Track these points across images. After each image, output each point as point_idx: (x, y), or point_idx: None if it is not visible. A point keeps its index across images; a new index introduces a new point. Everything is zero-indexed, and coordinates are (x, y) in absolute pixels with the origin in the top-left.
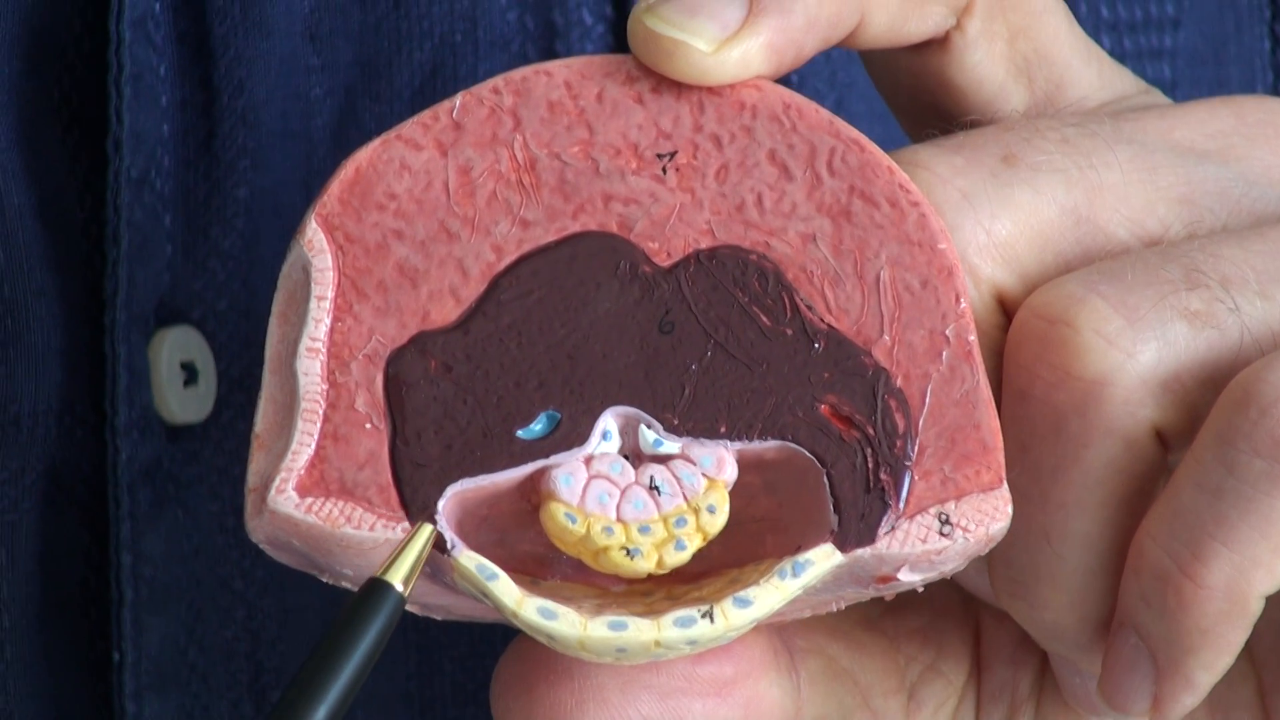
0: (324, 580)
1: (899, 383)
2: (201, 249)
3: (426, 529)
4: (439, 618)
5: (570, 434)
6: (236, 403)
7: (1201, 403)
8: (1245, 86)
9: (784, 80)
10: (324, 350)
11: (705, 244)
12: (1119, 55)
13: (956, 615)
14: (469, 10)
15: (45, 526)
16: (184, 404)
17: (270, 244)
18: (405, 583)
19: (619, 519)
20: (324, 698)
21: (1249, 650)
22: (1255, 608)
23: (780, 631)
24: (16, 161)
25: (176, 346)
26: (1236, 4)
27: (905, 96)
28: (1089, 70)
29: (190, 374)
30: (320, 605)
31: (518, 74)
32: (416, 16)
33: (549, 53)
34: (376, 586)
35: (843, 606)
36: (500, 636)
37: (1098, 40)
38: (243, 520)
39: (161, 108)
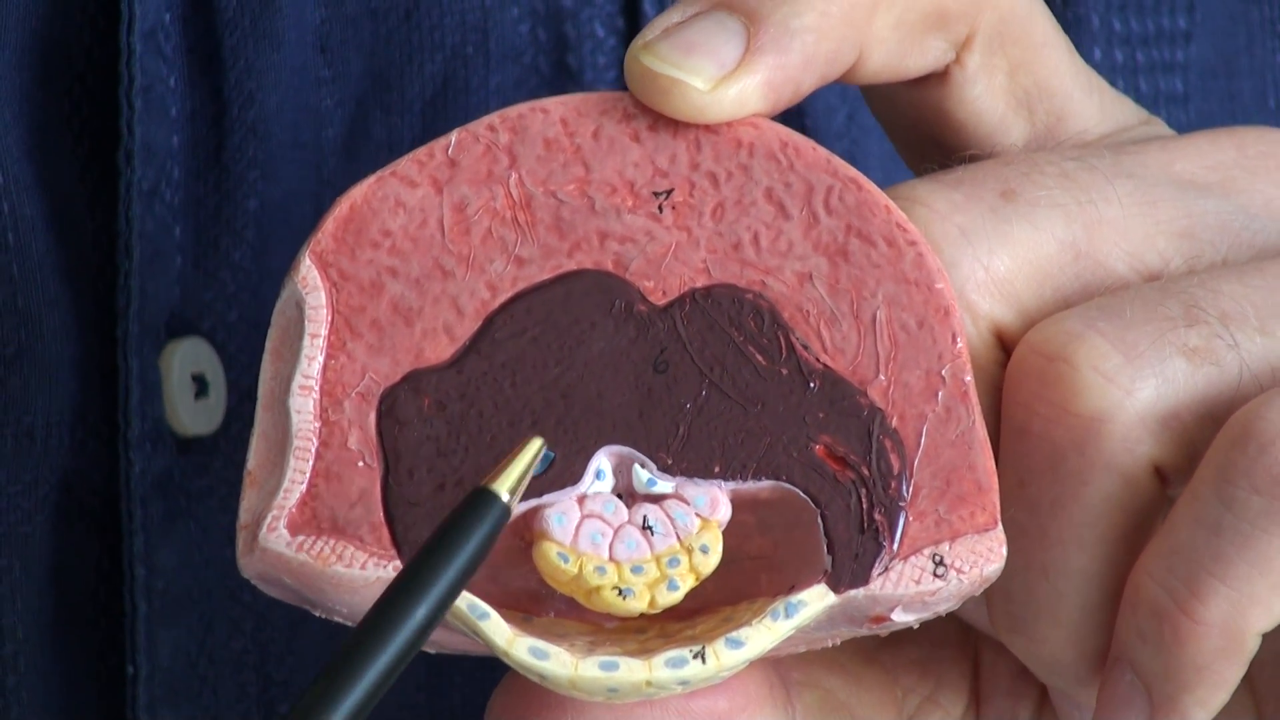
0: (316, 615)
1: (894, 423)
2: (211, 260)
3: (536, 442)
4: (432, 651)
5: (563, 473)
6: (246, 414)
7: (1200, 439)
8: (1257, 99)
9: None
10: (317, 388)
11: (701, 283)
12: (1131, 69)
13: (955, 647)
14: (480, 22)
15: (58, 539)
16: (195, 416)
17: (280, 255)
18: (512, 493)
19: (612, 559)
20: (430, 594)
21: (1250, 682)
22: (1252, 645)
23: (776, 665)
24: (28, 173)
25: (187, 358)
26: (1248, 17)
27: (905, 130)
28: (1090, 102)
29: (201, 386)
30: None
31: (514, 111)
32: (428, 28)
33: (561, 65)
34: (482, 495)
35: (838, 643)
36: None
37: (1110, 54)
38: None
39: (172, 119)
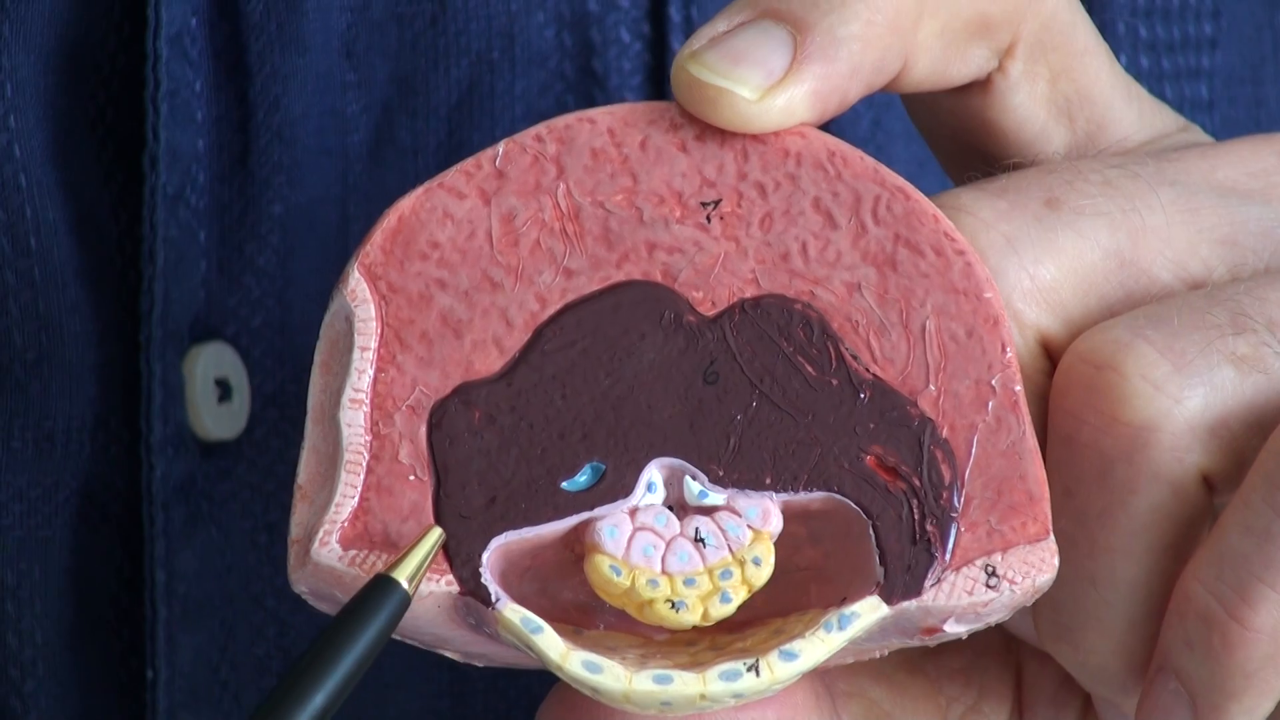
0: None
1: (945, 433)
2: (236, 265)
3: (436, 531)
4: (480, 664)
5: (615, 485)
6: (270, 419)
7: (1248, 447)
8: None
9: None
10: (367, 401)
11: (750, 293)
12: (1157, 75)
13: (998, 656)
14: (506, 27)
15: (78, 543)
16: (218, 420)
17: (305, 260)
18: (411, 580)
19: (664, 571)
20: (329, 681)
21: None
22: None
23: (822, 675)
24: (52, 177)
25: (211, 363)
26: (1274, 24)
27: (946, 138)
28: (1130, 110)
29: (224, 390)
30: None
31: (560, 121)
32: (454, 33)
33: (586, 70)
34: (382, 583)
35: (886, 654)
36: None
37: (1136, 60)
38: (275, 536)
39: (197, 124)
